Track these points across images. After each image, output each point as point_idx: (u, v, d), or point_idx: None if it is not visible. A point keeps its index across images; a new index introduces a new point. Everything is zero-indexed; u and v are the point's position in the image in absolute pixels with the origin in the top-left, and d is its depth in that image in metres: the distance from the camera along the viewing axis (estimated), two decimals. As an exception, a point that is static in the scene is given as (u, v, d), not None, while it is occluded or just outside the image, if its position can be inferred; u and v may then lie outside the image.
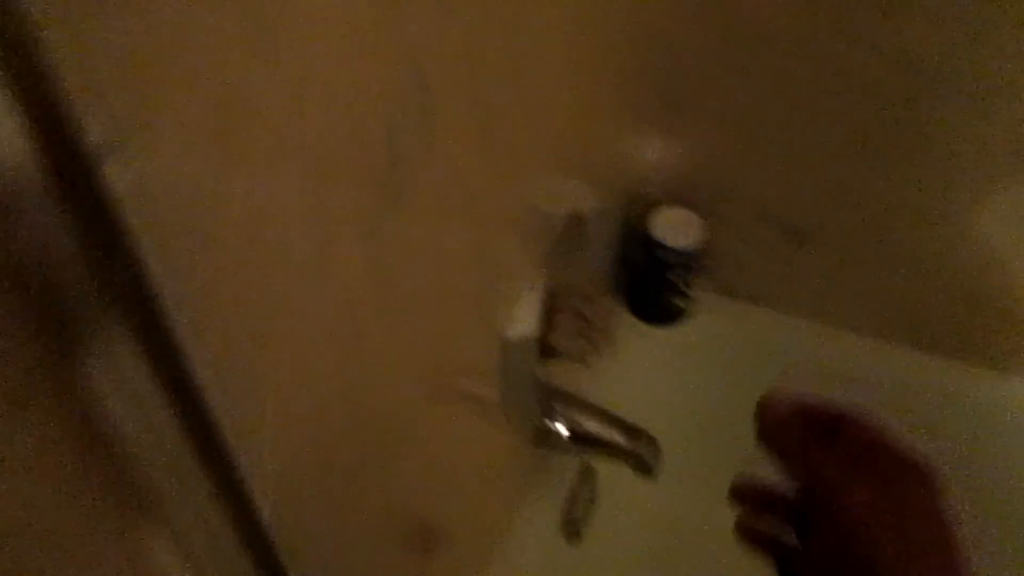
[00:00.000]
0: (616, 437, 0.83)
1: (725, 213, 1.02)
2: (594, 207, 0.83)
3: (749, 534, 0.43)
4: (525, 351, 0.69)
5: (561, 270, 0.75)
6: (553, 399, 0.84)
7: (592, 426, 0.83)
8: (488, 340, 0.66)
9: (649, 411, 0.82)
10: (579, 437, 0.84)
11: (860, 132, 0.91)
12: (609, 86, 0.85)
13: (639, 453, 0.83)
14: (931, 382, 1.02)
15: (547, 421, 0.83)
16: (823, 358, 1.07)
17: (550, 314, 0.71)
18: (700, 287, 1.08)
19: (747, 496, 0.44)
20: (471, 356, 0.65)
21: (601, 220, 0.95)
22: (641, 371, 1.07)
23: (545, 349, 0.73)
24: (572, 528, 0.97)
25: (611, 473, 0.90)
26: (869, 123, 0.90)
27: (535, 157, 0.67)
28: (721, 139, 0.99)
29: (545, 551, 0.93)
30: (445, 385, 0.62)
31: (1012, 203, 0.89)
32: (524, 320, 0.66)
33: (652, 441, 0.83)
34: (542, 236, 0.70)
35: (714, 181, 1.02)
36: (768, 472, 0.41)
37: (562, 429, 0.84)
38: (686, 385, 1.10)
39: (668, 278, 1.02)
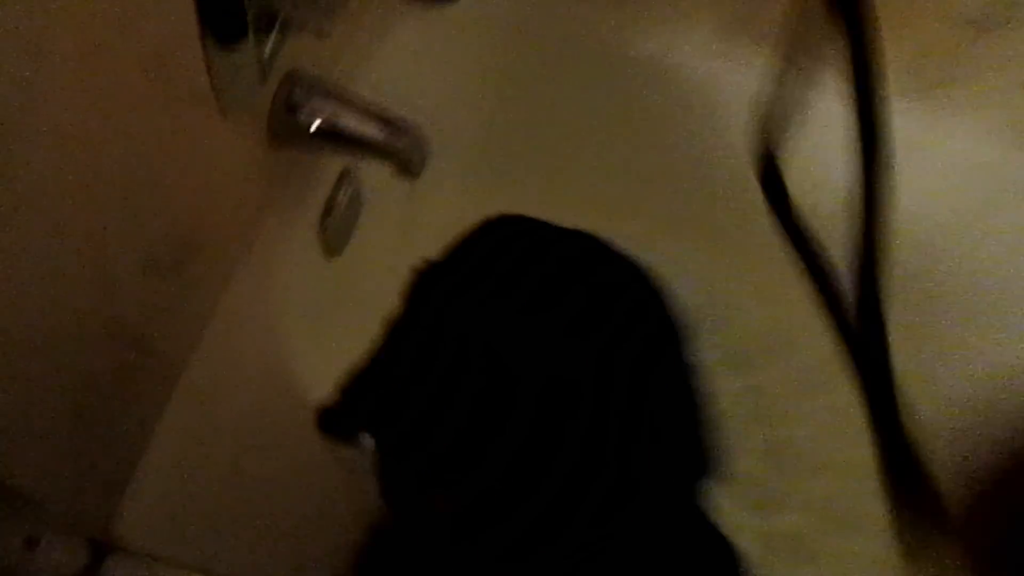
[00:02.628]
0: (374, 132, 0.68)
1: None
2: None
3: None
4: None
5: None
6: (295, 85, 0.67)
7: (346, 119, 0.68)
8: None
9: (420, 103, 0.67)
10: (328, 133, 0.69)
11: None
12: None
13: (401, 150, 0.70)
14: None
15: (286, 113, 0.67)
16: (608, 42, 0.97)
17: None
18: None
19: None
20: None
21: None
22: (409, 57, 0.91)
23: (265, 18, 0.55)
24: (331, 240, 0.85)
25: (376, 176, 0.77)
26: None
27: None
28: None
29: (301, 263, 0.81)
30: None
31: None
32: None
33: (417, 136, 0.70)
34: None
35: None
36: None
37: (309, 122, 0.68)
38: (460, 73, 0.95)
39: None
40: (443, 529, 0.48)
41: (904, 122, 0.60)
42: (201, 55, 0.51)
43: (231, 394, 0.68)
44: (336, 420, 0.59)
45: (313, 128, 0.68)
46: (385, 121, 0.68)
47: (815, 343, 1.15)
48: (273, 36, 0.59)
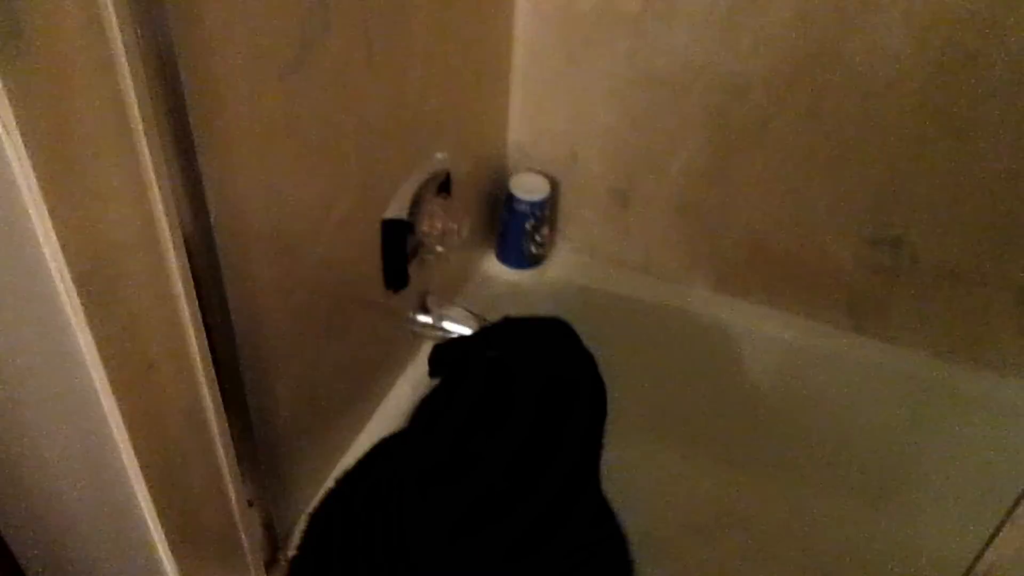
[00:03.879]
0: (475, 325, 1.08)
1: (570, 179, 1.31)
2: (460, 168, 1.10)
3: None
4: (400, 231, 0.94)
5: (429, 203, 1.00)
6: (427, 295, 1.09)
7: (455, 320, 1.09)
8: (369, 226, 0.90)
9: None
10: (445, 328, 1.09)
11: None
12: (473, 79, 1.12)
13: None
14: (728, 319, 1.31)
15: (419, 312, 1.08)
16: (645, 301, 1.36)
17: (420, 216, 0.96)
18: (556, 243, 1.36)
19: None
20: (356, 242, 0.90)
21: (469, 180, 1.21)
22: (504, 305, 1.33)
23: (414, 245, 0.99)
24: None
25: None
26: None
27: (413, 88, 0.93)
28: (565, 120, 1.27)
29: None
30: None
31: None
32: (399, 206, 0.91)
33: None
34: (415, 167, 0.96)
35: (562, 154, 1.31)
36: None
37: (436, 320, 1.09)
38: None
39: (525, 227, 1.29)
40: (443, 529, 0.47)
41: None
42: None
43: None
44: None
45: (437, 324, 1.08)
46: (479, 320, 1.08)
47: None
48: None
